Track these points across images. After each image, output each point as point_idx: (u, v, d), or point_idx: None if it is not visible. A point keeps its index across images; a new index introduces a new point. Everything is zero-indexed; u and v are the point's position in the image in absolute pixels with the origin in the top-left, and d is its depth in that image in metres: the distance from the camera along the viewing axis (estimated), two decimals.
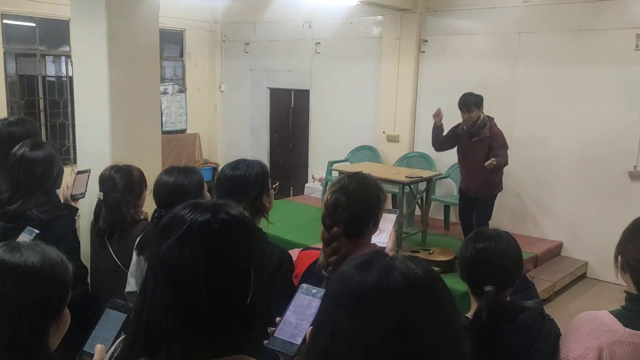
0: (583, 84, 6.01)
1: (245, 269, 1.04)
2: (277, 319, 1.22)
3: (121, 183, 2.60)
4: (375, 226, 1.84)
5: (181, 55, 9.23)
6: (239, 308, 1.02)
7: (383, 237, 1.96)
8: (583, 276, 6.11)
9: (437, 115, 5.43)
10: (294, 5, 8.09)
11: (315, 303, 1.20)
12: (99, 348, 1.16)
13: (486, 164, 5.01)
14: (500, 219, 6.11)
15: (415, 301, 0.86)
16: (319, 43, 8.24)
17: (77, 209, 2.77)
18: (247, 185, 2.01)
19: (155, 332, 0.99)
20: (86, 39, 4.15)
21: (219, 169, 9.86)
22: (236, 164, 2.07)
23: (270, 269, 1.91)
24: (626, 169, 5.80)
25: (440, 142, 5.55)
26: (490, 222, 5.44)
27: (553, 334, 1.70)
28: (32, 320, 1.19)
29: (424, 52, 7.18)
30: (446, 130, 5.58)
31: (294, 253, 2.22)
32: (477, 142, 5.22)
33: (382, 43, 7.48)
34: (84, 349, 1.25)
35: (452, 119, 5.76)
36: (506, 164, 5.22)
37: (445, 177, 6.80)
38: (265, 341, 1.18)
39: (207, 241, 1.01)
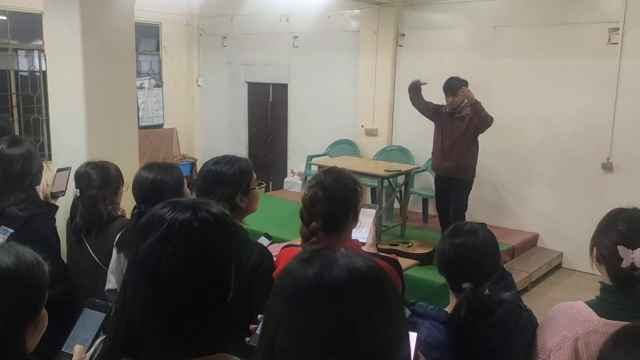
0: (558, 77, 6.10)
1: (226, 267, 1.04)
2: (259, 316, 1.22)
3: (97, 179, 2.57)
4: (355, 219, 1.85)
5: (157, 49, 9.11)
6: (220, 307, 1.02)
7: (363, 232, 1.97)
8: (558, 266, 6.22)
9: (417, 81, 5.60)
10: None
11: None
12: (77, 349, 1.15)
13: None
14: (477, 210, 6.19)
15: (355, 295, 0.85)
16: (297, 37, 8.21)
17: (57, 207, 2.74)
18: (221, 181, 1.98)
19: (136, 332, 0.98)
20: (60, 32, 4.07)
21: (197, 164, 9.72)
22: (219, 159, 2.05)
23: (250, 267, 1.90)
24: (599, 160, 5.90)
25: (418, 99, 5.64)
26: (467, 213, 5.52)
27: (530, 326, 1.73)
28: (7, 323, 1.17)
29: (401, 46, 7.21)
30: (428, 124, 5.68)
31: (276, 248, 2.22)
32: (457, 119, 5.29)
33: (359, 37, 7.48)
34: (62, 349, 1.23)
35: None
36: (489, 118, 5.22)
37: (423, 171, 6.85)
38: (247, 338, 1.18)
39: (188, 240, 1.01)
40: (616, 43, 5.71)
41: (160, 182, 2.21)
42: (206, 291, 1.00)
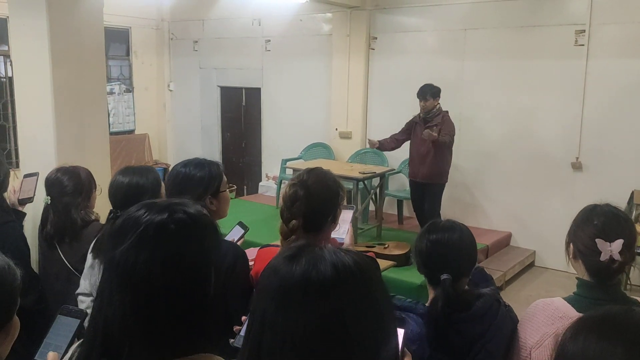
0: (527, 78, 6.21)
1: (205, 268, 1.02)
2: (243, 317, 1.20)
3: (70, 185, 2.49)
4: (334, 222, 1.84)
5: (127, 54, 8.99)
6: (200, 308, 1.00)
7: (341, 232, 1.97)
8: (531, 265, 6.32)
9: (372, 144, 5.89)
10: (243, 2, 8.01)
11: None
12: (51, 356, 1.11)
13: (424, 133, 5.28)
14: (452, 211, 6.25)
15: (342, 291, 0.84)
16: (269, 40, 8.19)
17: (25, 213, 2.66)
18: (190, 183, 1.98)
19: (114, 337, 0.96)
20: (26, 36, 3.97)
21: (170, 169, 9.66)
22: (188, 162, 2.05)
23: (225, 268, 1.88)
24: (569, 160, 6.02)
25: (394, 145, 5.87)
26: (441, 212, 5.60)
27: (509, 320, 1.74)
28: None
29: (373, 49, 7.25)
30: (400, 126, 5.82)
31: (252, 252, 2.19)
32: (429, 128, 5.46)
33: (332, 40, 7.50)
34: (35, 357, 1.19)
35: (404, 113, 5.90)
36: (449, 143, 5.46)
37: (397, 172, 6.89)
38: (231, 340, 1.16)
39: (164, 243, 0.99)
40: (582, 45, 5.84)
41: (136, 185, 2.17)
42: (185, 293, 0.98)
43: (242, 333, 1.18)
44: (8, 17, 4.16)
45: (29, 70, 4.02)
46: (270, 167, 8.41)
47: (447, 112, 5.56)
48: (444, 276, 1.65)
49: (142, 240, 0.98)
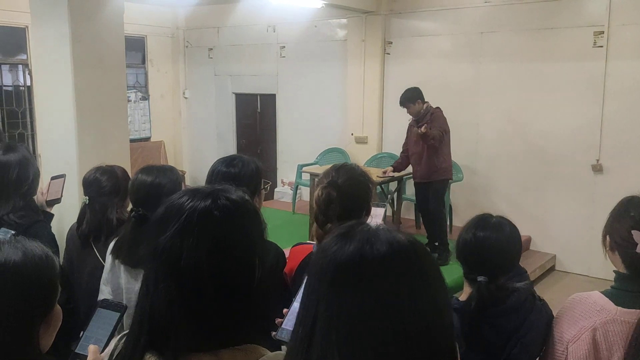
0: (545, 80, 6.16)
1: (250, 256, 1.01)
2: (284, 310, 1.20)
3: (108, 185, 2.50)
4: (367, 215, 1.83)
5: (143, 62, 9.07)
6: (246, 297, 0.99)
7: None
8: (552, 269, 6.24)
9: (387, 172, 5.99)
10: (258, 9, 8.06)
11: None
12: (92, 348, 1.10)
13: (414, 130, 5.32)
14: (469, 215, 6.15)
15: (396, 269, 0.82)
16: (284, 47, 8.22)
17: (53, 215, 2.68)
18: (241, 183, 1.92)
19: (160, 325, 0.95)
20: (48, 44, 4.02)
21: (186, 176, 9.56)
22: (231, 160, 2.00)
23: (267, 267, 1.86)
24: (589, 162, 5.95)
25: (407, 161, 5.88)
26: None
27: (544, 315, 1.72)
28: (18, 321, 1.11)
29: (389, 54, 7.25)
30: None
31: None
32: (420, 127, 5.43)
33: (347, 45, 7.51)
34: (75, 350, 1.19)
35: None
36: (439, 138, 5.33)
37: None
38: (273, 332, 1.15)
39: (209, 230, 0.97)
40: (601, 46, 5.79)
41: (158, 185, 2.15)
42: (230, 281, 0.97)
43: (285, 325, 1.18)
44: (27, 26, 4.21)
45: (50, 77, 4.06)
46: (285, 173, 8.41)
47: (437, 108, 5.51)
48: (480, 278, 1.63)
49: (186, 228, 0.96)
